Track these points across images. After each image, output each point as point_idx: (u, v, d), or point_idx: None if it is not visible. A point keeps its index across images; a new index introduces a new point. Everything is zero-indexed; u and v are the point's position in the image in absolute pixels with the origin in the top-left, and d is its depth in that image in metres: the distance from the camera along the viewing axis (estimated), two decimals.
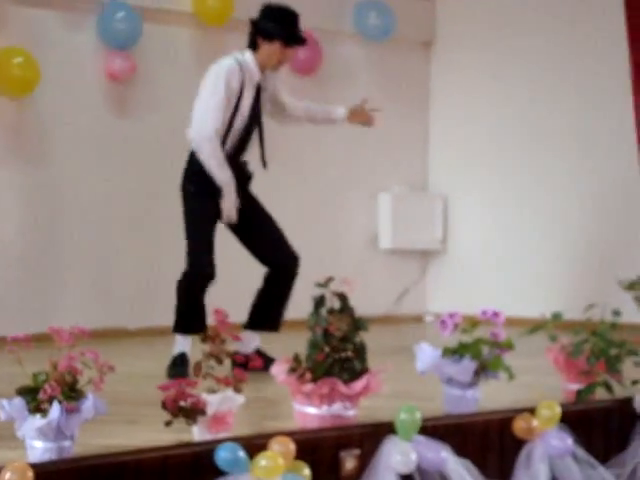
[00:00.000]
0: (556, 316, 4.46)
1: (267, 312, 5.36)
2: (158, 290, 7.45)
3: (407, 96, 8.73)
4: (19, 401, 3.10)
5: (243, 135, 5.30)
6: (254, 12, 7.75)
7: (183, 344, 5.27)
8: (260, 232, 5.36)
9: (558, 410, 4.05)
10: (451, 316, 4.13)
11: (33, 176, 6.94)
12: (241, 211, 5.29)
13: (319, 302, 3.85)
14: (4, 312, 6.73)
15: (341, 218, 8.41)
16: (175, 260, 7.58)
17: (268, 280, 5.32)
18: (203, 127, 5.21)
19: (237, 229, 5.38)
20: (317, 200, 8.23)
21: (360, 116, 5.60)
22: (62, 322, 3.37)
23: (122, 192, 7.32)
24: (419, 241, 8.71)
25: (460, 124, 8.71)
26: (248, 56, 5.27)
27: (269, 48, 5.23)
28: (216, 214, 5.27)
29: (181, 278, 5.36)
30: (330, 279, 3.85)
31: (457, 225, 8.75)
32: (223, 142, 5.24)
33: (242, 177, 5.33)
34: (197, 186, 5.29)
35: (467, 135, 8.67)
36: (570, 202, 8.21)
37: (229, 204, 5.21)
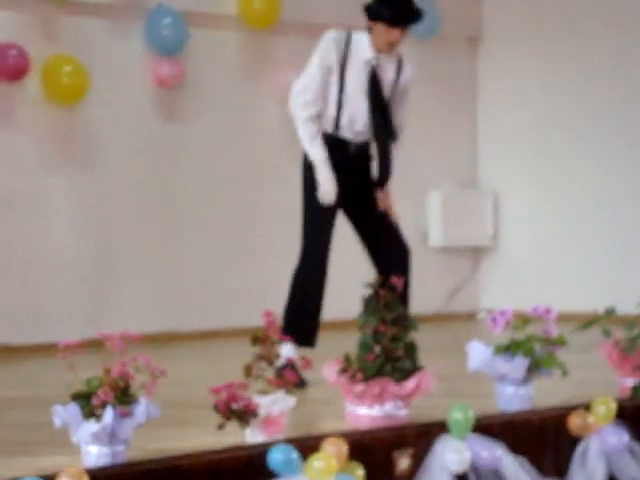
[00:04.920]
0: (609, 311, 4.42)
1: None
2: (209, 293, 7.50)
3: (455, 93, 8.70)
4: (73, 407, 3.14)
5: (360, 119, 5.00)
6: (301, 14, 7.82)
7: (289, 350, 4.81)
8: (374, 220, 5.09)
9: (613, 406, 4.02)
10: (502, 313, 4.11)
11: (84, 182, 7.02)
12: (358, 199, 5.07)
13: (369, 302, 3.85)
14: (56, 318, 6.81)
15: None
16: (227, 263, 7.66)
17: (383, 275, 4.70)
18: (293, 97, 5.00)
19: (353, 218, 5.12)
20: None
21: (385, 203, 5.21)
22: (115, 327, 3.40)
23: (170, 198, 7.37)
24: (470, 238, 8.67)
25: (509, 119, 8.65)
26: (362, 35, 5.03)
27: (376, 29, 4.97)
28: (335, 205, 5.01)
29: (294, 272, 5.00)
30: (380, 279, 3.84)
31: (508, 221, 8.70)
32: (336, 124, 5.00)
33: (360, 164, 5.09)
34: (313, 171, 5.02)
35: (516, 130, 8.61)
36: (623, 195, 8.13)
37: (321, 184, 4.93)
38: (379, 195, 5.11)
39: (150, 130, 7.27)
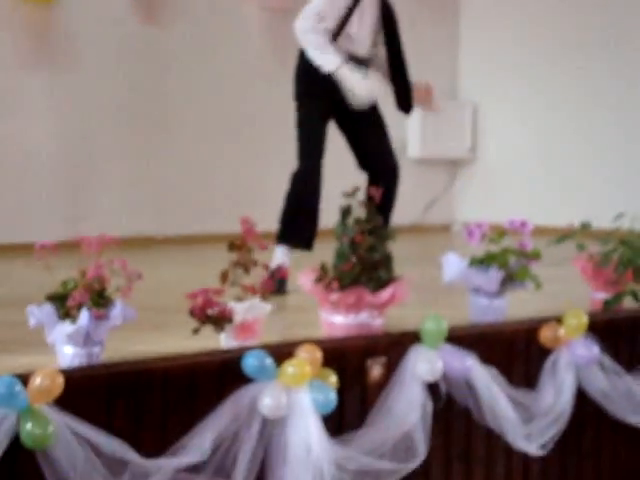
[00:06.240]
0: (585, 225, 4.44)
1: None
2: (188, 198, 7.48)
3: (437, 5, 8.61)
4: (49, 307, 3.14)
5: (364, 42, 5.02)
6: None
7: (281, 256, 4.95)
8: (366, 135, 5.14)
9: (585, 319, 4.06)
10: (479, 226, 4.12)
11: (63, 81, 6.93)
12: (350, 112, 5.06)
13: (346, 212, 3.85)
14: (34, 218, 6.79)
15: None
16: (204, 167, 7.62)
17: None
18: (303, 17, 4.92)
19: (345, 127, 5.15)
20: None
21: (424, 99, 5.36)
22: (91, 230, 3.39)
23: (152, 97, 7.30)
24: (448, 150, 8.66)
25: (491, 31, 8.58)
26: None
27: None
28: (326, 114, 5.04)
29: (292, 178, 5.03)
30: (357, 189, 3.83)
31: (486, 134, 8.69)
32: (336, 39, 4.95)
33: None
34: (306, 86, 5.04)
35: (498, 42, 8.55)
36: (600, 109, 8.12)
37: (354, 88, 4.93)
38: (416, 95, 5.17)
39: (128, 28, 7.17)
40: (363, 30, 5.03)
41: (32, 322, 3.16)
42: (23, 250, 6.12)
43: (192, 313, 3.40)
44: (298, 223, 5.00)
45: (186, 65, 7.42)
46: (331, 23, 4.94)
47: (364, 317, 3.75)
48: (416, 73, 8.64)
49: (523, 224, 4.14)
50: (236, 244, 3.51)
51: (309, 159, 5.00)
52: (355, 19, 4.98)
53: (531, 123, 8.45)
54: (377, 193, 3.84)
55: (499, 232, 4.07)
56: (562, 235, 4.40)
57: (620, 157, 8.03)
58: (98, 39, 7.04)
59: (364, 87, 4.98)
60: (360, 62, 5.04)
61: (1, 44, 6.69)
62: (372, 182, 4.97)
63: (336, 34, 4.94)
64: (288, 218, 4.98)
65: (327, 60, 4.92)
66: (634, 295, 4.39)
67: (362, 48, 5.05)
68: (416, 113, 8.58)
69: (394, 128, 8.53)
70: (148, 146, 7.30)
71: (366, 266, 3.76)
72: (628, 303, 4.42)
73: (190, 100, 7.45)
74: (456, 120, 8.65)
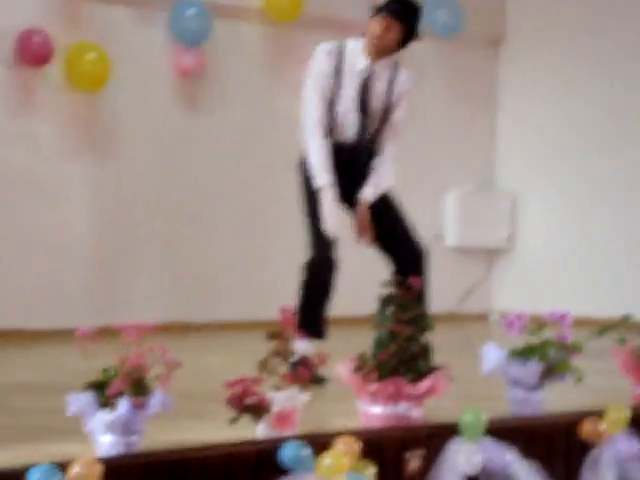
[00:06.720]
0: (625, 318, 4.40)
1: None
2: (223, 284, 7.51)
3: (475, 93, 8.69)
4: (88, 395, 3.14)
5: (354, 129, 4.92)
6: (325, 8, 7.80)
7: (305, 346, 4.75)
8: (385, 225, 4.99)
9: (627, 413, 4.00)
10: (519, 317, 4.09)
11: (103, 171, 7.03)
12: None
13: (385, 301, 3.84)
14: (73, 305, 6.83)
15: (408, 215, 8.38)
16: (242, 255, 7.66)
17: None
18: (303, 119, 4.92)
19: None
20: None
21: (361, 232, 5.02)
22: (129, 315, 3.41)
23: (190, 187, 7.39)
24: (485, 239, 8.66)
25: (528, 121, 8.64)
26: (360, 42, 4.87)
27: (369, 25, 4.83)
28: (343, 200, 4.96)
29: (304, 270, 4.95)
30: (397, 278, 3.84)
31: (524, 223, 8.68)
32: (331, 133, 4.91)
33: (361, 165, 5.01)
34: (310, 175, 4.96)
35: (535, 133, 8.60)
36: None
37: (325, 214, 4.85)
38: (357, 210, 4.95)
39: (169, 120, 7.29)
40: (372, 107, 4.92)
41: (71, 410, 3.16)
42: (60, 336, 6.17)
43: (230, 402, 3.39)
44: (312, 315, 4.91)
45: (223, 154, 7.52)
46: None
47: (402, 408, 3.72)
48: (453, 161, 8.74)
49: (563, 316, 4.11)
50: (275, 333, 3.51)
51: (320, 249, 4.90)
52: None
53: (570, 213, 8.45)
54: (418, 282, 3.84)
55: (539, 323, 4.04)
56: (603, 327, 4.36)
57: None
58: (140, 129, 7.16)
59: (332, 222, 4.84)
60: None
61: (45, 132, 6.81)
62: (398, 271, 4.85)
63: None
64: (303, 310, 4.89)
65: (322, 175, 4.84)
66: None
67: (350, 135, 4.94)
68: (454, 202, 8.64)
69: (432, 216, 8.64)
70: (184, 235, 7.36)
71: (405, 356, 3.75)
72: None
73: (227, 190, 7.53)
74: (493, 209, 8.67)
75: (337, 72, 4.88)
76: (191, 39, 7.21)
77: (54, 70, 6.76)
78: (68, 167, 6.90)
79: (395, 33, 4.85)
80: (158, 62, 7.21)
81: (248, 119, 7.62)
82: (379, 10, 4.84)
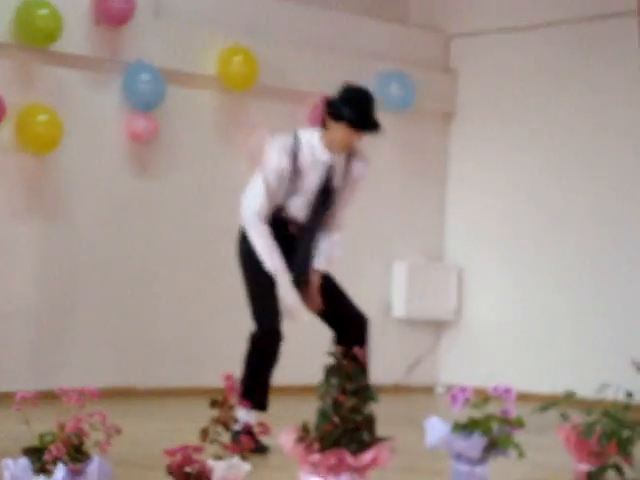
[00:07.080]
0: (569, 394, 4.41)
1: None
2: (167, 351, 7.45)
3: (425, 166, 8.78)
4: (24, 461, 3.08)
5: (311, 209, 5.04)
6: (278, 79, 7.87)
7: (249, 416, 4.85)
8: (328, 295, 5.08)
9: None
10: (462, 390, 4.09)
11: (52, 233, 6.98)
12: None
13: (330, 371, 3.82)
14: (15, 368, 6.73)
15: (355, 285, 8.31)
16: (189, 321, 7.61)
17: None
18: (247, 210, 5.06)
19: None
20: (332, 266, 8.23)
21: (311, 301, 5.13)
22: (72, 379, 3.36)
23: (138, 252, 7.35)
24: (433, 311, 8.69)
25: (477, 196, 8.73)
26: (315, 134, 5.03)
27: (334, 127, 4.94)
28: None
29: (250, 342, 5.01)
30: (342, 349, 3.82)
31: (471, 296, 8.73)
32: (285, 209, 5.04)
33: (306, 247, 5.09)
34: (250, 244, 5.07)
35: (484, 207, 8.69)
36: (585, 279, 8.19)
37: (284, 298, 4.94)
38: (309, 280, 5.05)
39: (120, 184, 7.27)
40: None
41: (6, 476, 3.09)
42: (0, 400, 6.05)
43: (170, 470, 3.34)
44: (256, 386, 4.94)
45: (175, 217, 7.50)
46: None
47: None
48: (402, 233, 8.80)
49: (507, 390, 4.11)
50: (218, 401, 3.48)
51: (266, 322, 4.97)
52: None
53: (516, 288, 8.51)
54: (362, 354, 3.83)
55: (483, 398, 4.04)
56: (546, 403, 4.37)
57: (607, 326, 8.06)
58: (90, 192, 7.13)
59: (292, 304, 4.95)
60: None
61: None
62: (341, 340, 4.93)
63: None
64: (247, 380, 4.93)
65: (273, 262, 4.96)
66: (617, 468, 4.33)
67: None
68: (403, 273, 8.67)
69: (380, 287, 8.66)
70: (132, 298, 7.31)
71: (348, 427, 3.72)
72: (611, 476, 4.36)
73: (174, 255, 7.51)
74: (442, 281, 8.71)
75: (295, 169, 4.99)
76: (144, 104, 7.22)
77: (5, 131, 6.73)
78: (15, 229, 6.84)
79: (361, 137, 5.00)
80: (110, 126, 7.21)
81: (199, 184, 7.62)
82: (361, 124, 4.91)
